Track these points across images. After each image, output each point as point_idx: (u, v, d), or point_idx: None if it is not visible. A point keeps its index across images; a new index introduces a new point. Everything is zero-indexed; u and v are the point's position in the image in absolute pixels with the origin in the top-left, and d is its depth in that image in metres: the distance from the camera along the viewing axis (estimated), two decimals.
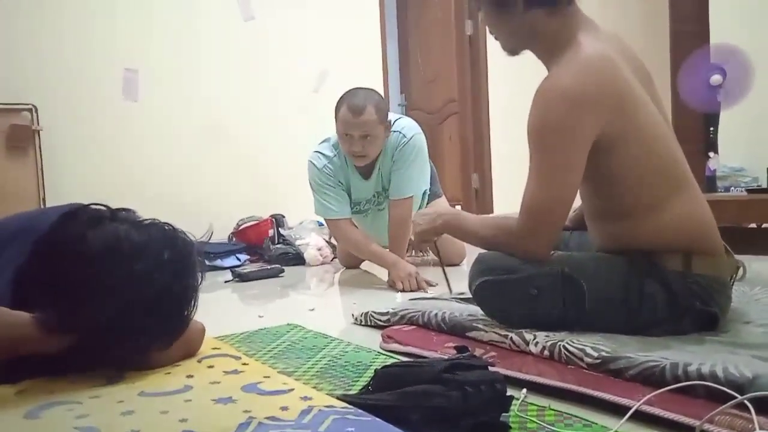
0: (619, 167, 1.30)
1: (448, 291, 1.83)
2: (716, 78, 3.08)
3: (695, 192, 1.36)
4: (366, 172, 2.56)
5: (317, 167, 2.55)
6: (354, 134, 2.35)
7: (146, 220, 1.21)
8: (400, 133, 2.51)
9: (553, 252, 1.40)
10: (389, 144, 2.49)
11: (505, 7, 1.36)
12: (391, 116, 2.57)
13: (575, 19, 1.35)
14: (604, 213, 1.40)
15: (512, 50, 1.45)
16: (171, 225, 1.22)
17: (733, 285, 1.41)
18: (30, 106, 3.18)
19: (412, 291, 2.22)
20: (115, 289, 1.10)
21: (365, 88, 2.43)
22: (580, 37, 1.31)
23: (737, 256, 1.44)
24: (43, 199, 3.17)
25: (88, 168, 3.39)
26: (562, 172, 1.29)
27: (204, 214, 3.46)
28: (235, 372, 1.20)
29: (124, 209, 1.21)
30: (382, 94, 4.47)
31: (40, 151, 3.20)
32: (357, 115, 2.32)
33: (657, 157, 1.31)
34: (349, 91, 2.41)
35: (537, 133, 1.30)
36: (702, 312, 1.30)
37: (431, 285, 2.28)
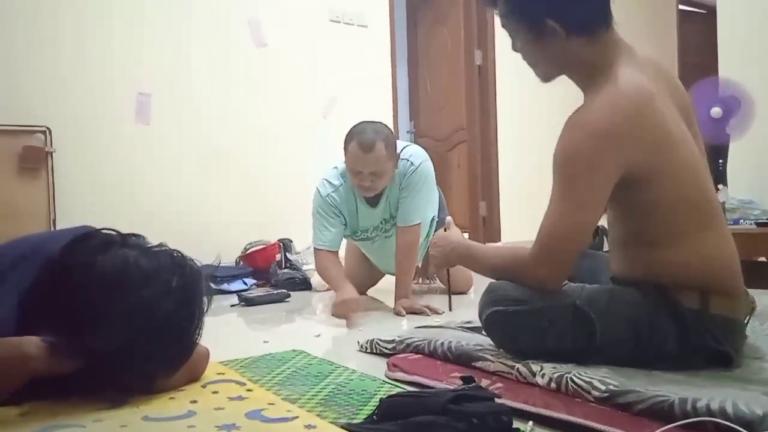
0: (651, 200, 1.29)
1: (449, 309, 1.80)
2: (716, 110, 3.08)
3: (724, 231, 1.35)
4: (373, 201, 2.56)
5: (321, 195, 2.56)
6: (364, 171, 2.35)
7: (155, 246, 1.22)
8: (407, 161, 2.51)
9: (565, 282, 1.39)
10: (397, 172, 2.50)
11: (545, 36, 1.35)
12: (399, 144, 2.58)
13: (614, 46, 1.35)
14: (629, 241, 1.38)
15: (548, 77, 1.45)
16: (179, 252, 1.23)
17: (747, 324, 1.39)
18: (43, 128, 3.23)
19: (340, 318, 2.19)
20: (122, 315, 1.10)
21: (374, 122, 2.43)
22: (618, 67, 1.30)
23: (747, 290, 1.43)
24: (54, 221, 3.20)
25: (99, 190, 3.42)
26: (582, 206, 1.29)
27: (212, 237, 3.47)
28: (240, 398, 1.20)
29: (134, 235, 1.22)
30: (391, 120, 4.53)
31: (52, 172, 3.23)
32: (367, 151, 2.32)
33: (686, 191, 1.30)
34: (358, 125, 2.41)
35: (561, 164, 1.30)
36: (714, 351, 1.28)
37: (438, 313, 2.27)
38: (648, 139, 1.25)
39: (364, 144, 2.32)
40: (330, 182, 2.56)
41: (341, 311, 2.21)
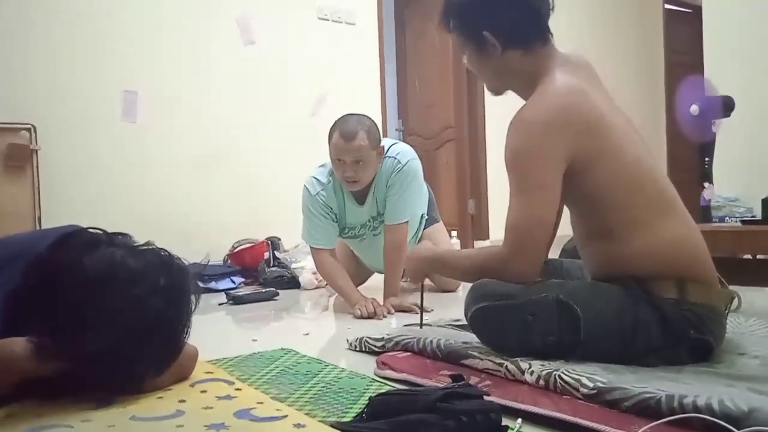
0: (597, 187, 1.36)
1: (419, 327, 1.81)
2: (694, 108, 3.12)
3: (683, 216, 1.40)
4: (360, 197, 2.56)
5: (311, 194, 2.56)
6: (346, 160, 2.36)
7: (142, 245, 1.21)
8: (394, 158, 2.52)
9: (549, 279, 1.42)
10: (384, 169, 2.50)
11: (485, 50, 1.46)
12: (386, 141, 2.58)
13: (549, 58, 1.45)
14: (592, 236, 1.43)
15: (495, 90, 1.57)
16: (167, 250, 1.22)
17: (727, 315, 1.41)
18: (29, 126, 3.19)
19: (369, 317, 2.26)
20: (109, 315, 1.09)
21: (357, 114, 2.45)
22: (552, 73, 1.41)
23: (732, 287, 1.45)
24: (39, 219, 3.16)
25: (85, 188, 3.39)
26: (538, 191, 1.36)
27: (200, 235, 3.46)
28: (228, 397, 1.19)
29: (120, 234, 1.21)
30: (380, 118, 4.53)
31: (38, 170, 3.20)
32: (349, 140, 2.34)
33: (634, 177, 1.37)
34: (342, 117, 2.43)
35: (511, 159, 1.40)
36: (696, 341, 1.30)
37: (427, 311, 2.27)
38: (583, 126, 1.34)
39: (346, 133, 2.34)
40: (318, 180, 2.57)
41: (369, 308, 2.28)
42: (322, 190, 2.55)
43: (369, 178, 2.46)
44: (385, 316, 2.26)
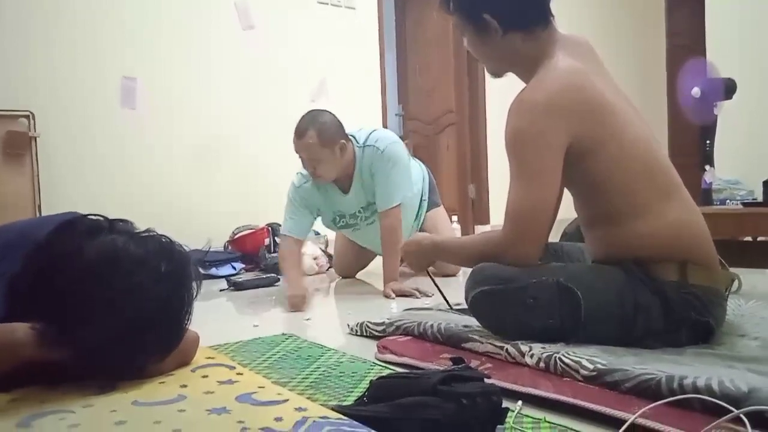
0: (601, 172, 1.35)
1: (449, 308, 1.82)
2: (696, 90, 3.09)
3: (686, 200, 1.39)
4: (344, 187, 2.59)
5: (295, 185, 2.61)
6: (302, 155, 2.42)
7: (143, 231, 1.21)
8: (373, 146, 2.53)
9: (549, 262, 1.42)
10: (365, 158, 2.53)
11: (486, 33, 1.44)
12: (365, 130, 2.59)
13: (551, 41, 1.43)
14: (595, 220, 1.43)
15: (495, 72, 1.55)
16: (168, 237, 1.22)
17: (728, 297, 1.41)
18: (27, 113, 3.19)
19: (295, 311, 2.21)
20: (112, 301, 1.09)
21: (318, 111, 2.47)
22: (554, 55, 1.39)
23: (733, 269, 1.45)
24: (39, 207, 3.17)
25: (85, 175, 3.38)
26: (539, 175, 1.35)
27: (201, 221, 3.46)
28: (230, 382, 1.20)
29: (121, 220, 1.21)
30: (380, 103, 4.51)
31: (37, 158, 3.19)
32: (298, 137, 2.40)
33: (638, 161, 1.36)
34: (307, 112, 2.46)
35: (512, 142, 1.38)
36: (698, 323, 1.30)
37: (427, 295, 2.28)
38: (585, 108, 1.33)
39: (297, 130, 2.41)
40: (302, 174, 2.59)
41: (292, 304, 2.23)
42: (306, 182, 2.58)
43: (331, 174, 2.48)
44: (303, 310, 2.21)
